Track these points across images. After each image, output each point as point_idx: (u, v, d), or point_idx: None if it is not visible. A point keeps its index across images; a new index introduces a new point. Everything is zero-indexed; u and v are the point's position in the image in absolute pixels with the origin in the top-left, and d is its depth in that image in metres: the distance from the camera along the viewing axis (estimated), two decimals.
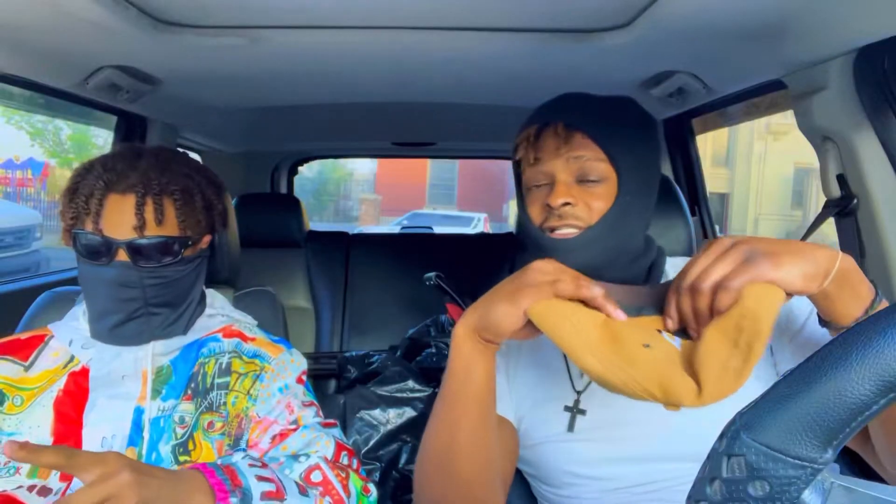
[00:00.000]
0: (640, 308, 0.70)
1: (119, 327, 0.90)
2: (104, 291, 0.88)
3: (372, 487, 0.87)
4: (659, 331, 0.67)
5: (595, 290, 0.66)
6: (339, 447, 0.88)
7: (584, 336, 0.63)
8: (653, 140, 0.86)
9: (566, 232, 0.80)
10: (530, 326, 0.67)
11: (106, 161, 0.90)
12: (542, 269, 0.68)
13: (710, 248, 0.64)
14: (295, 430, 0.88)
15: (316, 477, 0.81)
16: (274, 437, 0.88)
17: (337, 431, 0.92)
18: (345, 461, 0.88)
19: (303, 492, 0.77)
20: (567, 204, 0.79)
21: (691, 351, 0.62)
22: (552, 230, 0.80)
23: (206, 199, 0.95)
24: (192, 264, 0.95)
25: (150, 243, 0.87)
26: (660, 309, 0.69)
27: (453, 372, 0.72)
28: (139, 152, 0.93)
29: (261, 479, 0.73)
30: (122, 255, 0.87)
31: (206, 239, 0.98)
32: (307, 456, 0.83)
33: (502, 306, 0.67)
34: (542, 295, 0.65)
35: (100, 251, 0.87)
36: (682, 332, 0.67)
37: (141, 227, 0.86)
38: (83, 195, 0.87)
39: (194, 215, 0.92)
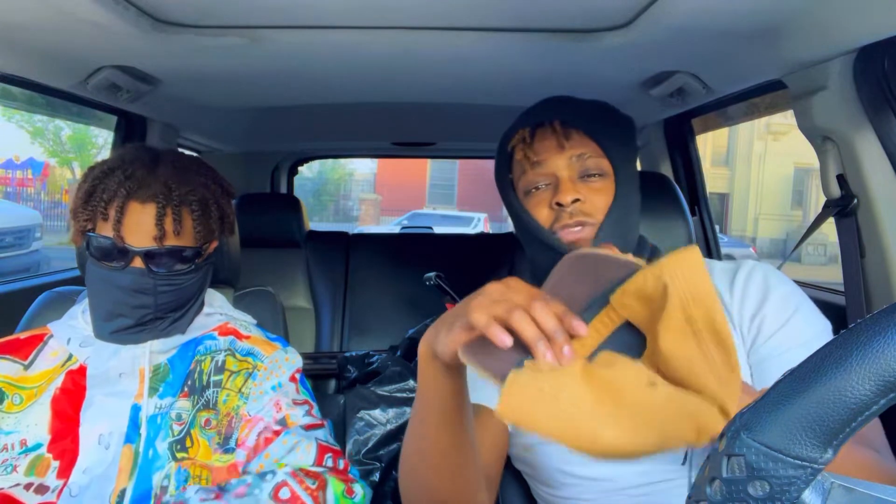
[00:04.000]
0: (584, 308, 0.58)
1: (125, 331, 0.91)
2: (115, 295, 0.89)
3: (357, 488, 0.86)
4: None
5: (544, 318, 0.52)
6: (323, 449, 0.88)
7: (578, 406, 0.48)
8: (634, 138, 0.90)
9: (577, 232, 0.80)
10: None
11: (126, 166, 0.90)
12: (487, 293, 0.57)
13: None
14: (279, 432, 0.88)
15: (284, 494, 0.80)
16: (259, 435, 0.88)
17: (321, 433, 0.91)
18: (329, 463, 0.87)
19: None
20: (577, 200, 0.80)
21: (666, 370, 0.52)
22: (563, 229, 0.81)
23: (221, 209, 0.97)
24: (202, 270, 0.96)
25: (167, 252, 0.89)
26: (600, 298, 0.58)
27: (420, 390, 0.67)
28: (156, 156, 0.94)
29: None
30: (138, 262, 0.88)
31: (214, 244, 0.99)
32: (273, 473, 0.82)
33: (442, 333, 0.58)
34: (463, 326, 0.55)
35: (116, 256, 0.88)
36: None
37: (160, 237, 0.87)
38: (102, 200, 0.87)
39: (209, 224, 0.94)
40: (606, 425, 0.47)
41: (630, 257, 0.62)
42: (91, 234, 0.89)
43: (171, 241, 0.89)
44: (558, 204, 0.80)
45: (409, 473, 0.75)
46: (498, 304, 0.54)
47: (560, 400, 0.48)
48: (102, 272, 0.89)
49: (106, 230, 0.87)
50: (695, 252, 0.53)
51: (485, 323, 0.53)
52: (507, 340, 0.52)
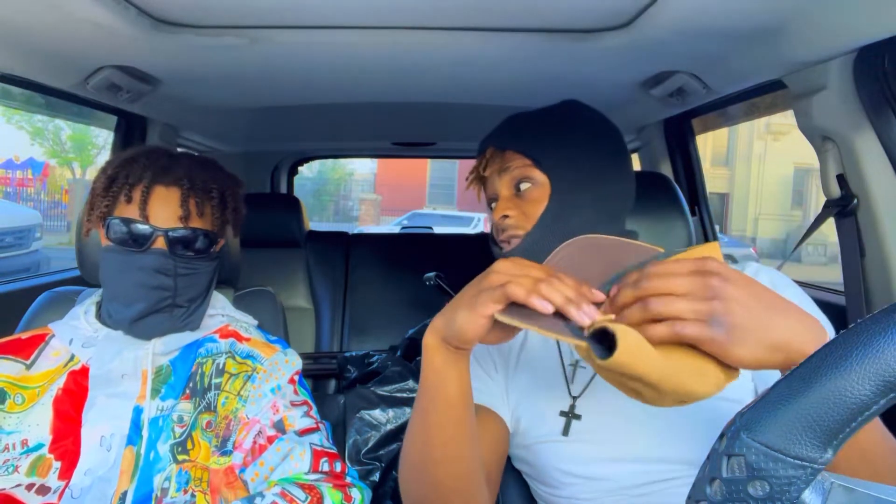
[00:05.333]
0: (601, 285, 0.61)
1: (143, 319, 0.91)
2: (135, 278, 0.90)
3: (355, 493, 0.85)
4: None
5: (560, 291, 0.57)
6: (318, 454, 0.87)
7: (666, 359, 0.53)
8: (588, 135, 0.87)
9: (510, 244, 0.85)
10: (497, 332, 0.62)
11: (149, 154, 0.94)
12: (501, 270, 0.61)
13: (693, 272, 0.55)
14: (273, 439, 0.87)
15: None
16: (256, 437, 0.88)
17: (316, 437, 0.90)
18: (325, 467, 0.86)
19: None
20: (505, 217, 0.86)
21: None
22: (502, 242, 0.87)
23: (235, 202, 1.01)
24: (216, 262, 0.99)
25: (189, 234, 0.92)
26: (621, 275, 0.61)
27: (425, 381, 0.69)
28: (174, 153, 0.98)
29: None
30: (160, 244, 0.90)
31: (222, 242, 1.02)
32: (262, 496, 0.81)
33: (462, 313, 0.61)
34: (495, 299, 0.59)
35: (138, 238, 0.89)
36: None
37: (185, 216, 0.90)
38: (126, 183, 0.90)
39: (225, 216, 0.98)
40: (683, 369, 0.53)
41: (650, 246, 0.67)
42: (112, 217, 0.90)
43: (194, 223, 0.92)
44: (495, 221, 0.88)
45: (411, 469, 0.75)
46: (523, 277, 0.59)
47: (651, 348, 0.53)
48: (122, 257, 0.90)
49: (129, 212, 0.90)
50: (717, 246, 0.60)
51: (525, 293, 0.57)
52: (549, 307, 0.56)
